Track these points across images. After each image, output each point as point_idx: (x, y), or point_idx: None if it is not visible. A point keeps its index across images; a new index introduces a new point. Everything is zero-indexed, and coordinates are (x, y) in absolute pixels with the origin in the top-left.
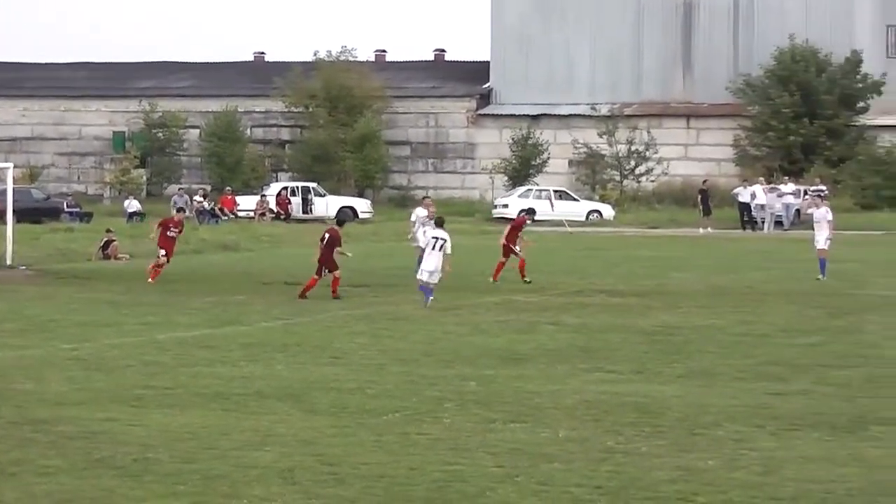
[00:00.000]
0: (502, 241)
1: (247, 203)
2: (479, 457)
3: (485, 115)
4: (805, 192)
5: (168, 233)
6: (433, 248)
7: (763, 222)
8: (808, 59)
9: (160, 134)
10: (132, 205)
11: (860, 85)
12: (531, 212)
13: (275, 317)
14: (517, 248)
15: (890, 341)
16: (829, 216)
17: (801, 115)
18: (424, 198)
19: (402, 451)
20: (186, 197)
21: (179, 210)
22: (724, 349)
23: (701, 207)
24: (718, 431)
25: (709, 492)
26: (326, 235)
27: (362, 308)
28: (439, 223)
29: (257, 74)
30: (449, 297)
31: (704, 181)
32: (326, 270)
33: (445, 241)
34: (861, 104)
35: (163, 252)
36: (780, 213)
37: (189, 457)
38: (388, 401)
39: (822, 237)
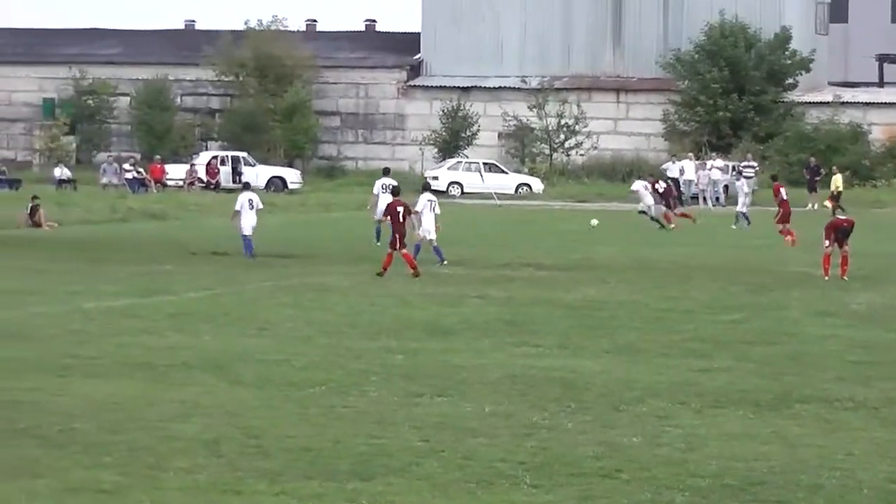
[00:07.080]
0: None
1: (176, 172)
2: (403, 430)
3: (415, 86)
4: (734, 168)
5: None
6: (429, 209)
7: (698, 198)
8: (738, 35)
9: (90, 101)
10: (62, 172)
11: (789, 61)
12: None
13: (202, 287)
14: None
15: (812, 318)
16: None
17: (729, 90)
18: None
19: (327, 423)
20: (116, 165)
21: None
22: (649, 325)
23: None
24: (642, 408)
25: (632, 468)
26: (400, 210)
27: (288, 279)
28: (426, 187)
29: (187, 42)
30: (373, 269)
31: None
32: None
33: (434, 202)
34: (789, 80)
35: None
36: (705, 189)
37: (114, 427)
38: (313, 373)
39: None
